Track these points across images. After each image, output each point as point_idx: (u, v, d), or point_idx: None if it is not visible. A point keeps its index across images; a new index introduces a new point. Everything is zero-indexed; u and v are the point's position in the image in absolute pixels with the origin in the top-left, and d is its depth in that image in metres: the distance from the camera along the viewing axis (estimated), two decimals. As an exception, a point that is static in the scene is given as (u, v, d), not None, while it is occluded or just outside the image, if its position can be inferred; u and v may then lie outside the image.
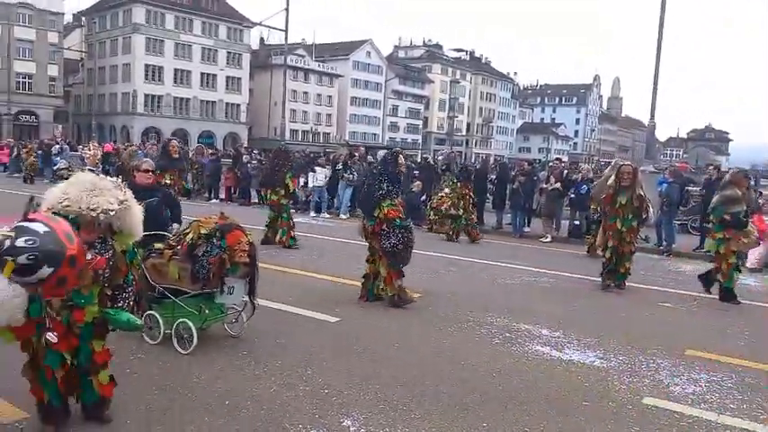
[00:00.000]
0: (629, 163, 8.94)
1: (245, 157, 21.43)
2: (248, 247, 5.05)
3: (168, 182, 9.60)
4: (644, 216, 8.50)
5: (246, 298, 5.34)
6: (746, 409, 4.55)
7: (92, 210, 3.42)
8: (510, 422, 4.11)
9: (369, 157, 20.08)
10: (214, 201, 19.63)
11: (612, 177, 8.50)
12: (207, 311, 5.25)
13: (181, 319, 5.11)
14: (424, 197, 16.43)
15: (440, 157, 17.26)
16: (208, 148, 24.56)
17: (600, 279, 8.75)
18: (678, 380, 5.10)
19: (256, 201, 18.96)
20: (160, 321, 5.18)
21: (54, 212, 3.39)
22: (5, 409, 3.91)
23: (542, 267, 10.20)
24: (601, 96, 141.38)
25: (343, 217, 16.70)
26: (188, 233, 5.10)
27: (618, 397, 4.67)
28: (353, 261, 9.69)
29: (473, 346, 5.77)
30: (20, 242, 2.89)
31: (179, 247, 5.17)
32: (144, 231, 4.70)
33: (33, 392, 3.61)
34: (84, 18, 64.37)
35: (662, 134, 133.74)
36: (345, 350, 5.41)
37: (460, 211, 13.16)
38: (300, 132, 70.86)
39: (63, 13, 56.38)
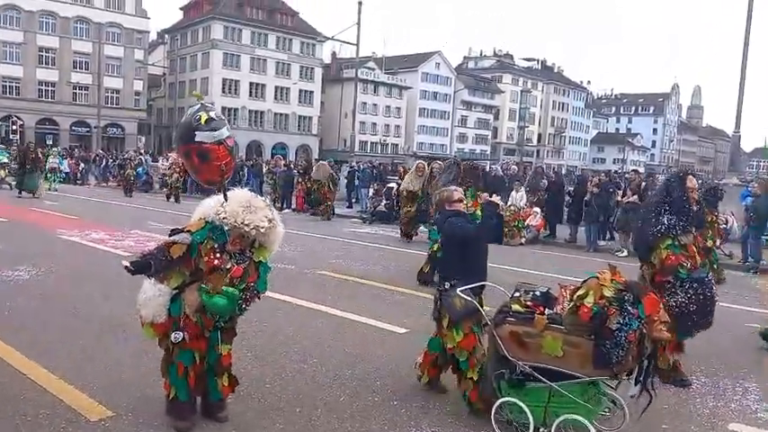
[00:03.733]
0: None
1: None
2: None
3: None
4: None
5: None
6: None
7: (245, 225, 3.69)
8: (584, 443, 3.97)
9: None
10: (287, 210, 20.07)
11: None
12: (610, 403, 3.88)
13: (568, 415, 3.73)
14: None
15: (513, 167, 16.85)
16: (281, 159, 25.11)
17: None
18: (768, 406, 4.80)
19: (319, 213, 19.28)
20: (528, 413, 3.82)
21: (207, 221, 3.77)
22: (92, 407, 4.13)
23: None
24: (680, 105, 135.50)
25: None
26: (584, 294, 3.71)
27: (701, 421, 4.44)
28: (414, 271, 9.65)
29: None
30: None
31: (562, 313, 3.84)
32: (467, 264, 4.38)
33: (165, 387, 3.90)
34: (167, 35, 67.76)
35: (747, 144, 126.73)
36: (414, 362, 5.39)
37: (709, 242, 10.26)
38: (369, 143, 71.58)
39: (148, 32, 59.52)
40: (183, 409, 3.86)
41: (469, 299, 4.20)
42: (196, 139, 3.62)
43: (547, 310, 3.95)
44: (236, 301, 3.70)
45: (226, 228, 3.72)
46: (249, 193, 3.94)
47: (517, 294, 4.16)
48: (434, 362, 4.59)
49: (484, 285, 4.44)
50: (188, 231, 3.75)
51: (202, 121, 3.62)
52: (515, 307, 4.00)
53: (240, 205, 3.74)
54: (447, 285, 4.37)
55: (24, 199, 19.50)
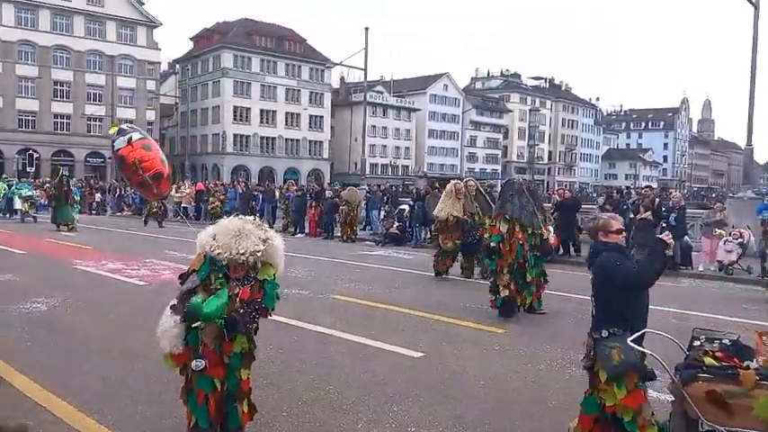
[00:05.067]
0: None
1: (327, 192, 21.97)
2: None
3: None
4: None
5: None
6: None
7: (241, 254, 3.73)
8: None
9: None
10: (300, 235, 20.14)
11: None
12: None
13: None
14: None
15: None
16: (294, 184, 25.16)
17: None
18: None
19: (339, 235, 19.33)
20: None
21: (206, 255, 3.80)
22: (111, 438, 4.14)
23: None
24: (690, 119, 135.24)
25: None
26: None
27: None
28: (428, 294, 9.61)
29: (563, 385, 5.56)
30: None
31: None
32: (624, 308, 3.68)
33: (186, 416, 3.89)
34: (178, 65, 68.90)
35: (761, 157, 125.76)
36: (430, 387, 5.37)
37: None
38: (379, 166, 71.92)
39: (159, 63, 60.58)
40: None
41: (635, 351, 3.51)
42: (115, 149, 4.51)
43: (746, 362, 3.31)
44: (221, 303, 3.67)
45: (224, 263, 3.76)
46: (236, 220, 3.92)
47: (697, 344, 3.51)
48: (595, 424, 3.79)
49: (644, 334, 3.68)
50: (194, 271, 3.83)
51: (114, 132, 4.64)
52: (708, 360, 3.35)
53: (231, 236, 3.75)
54: (605, 333, 3.68)
55: (43, 231, 19.72)
